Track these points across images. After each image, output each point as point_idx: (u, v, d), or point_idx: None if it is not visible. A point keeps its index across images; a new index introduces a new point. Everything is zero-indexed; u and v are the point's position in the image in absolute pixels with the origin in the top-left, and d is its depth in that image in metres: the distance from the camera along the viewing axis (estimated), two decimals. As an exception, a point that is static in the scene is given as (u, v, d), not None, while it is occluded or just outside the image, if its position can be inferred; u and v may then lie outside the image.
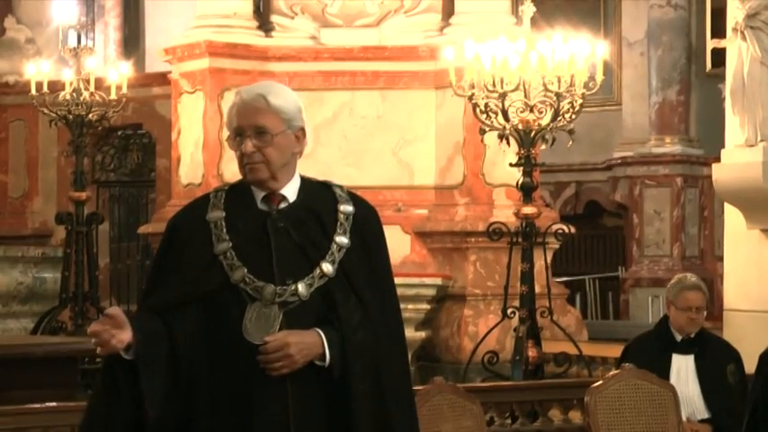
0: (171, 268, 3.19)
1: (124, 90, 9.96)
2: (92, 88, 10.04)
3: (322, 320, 3.13)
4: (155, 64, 12.17)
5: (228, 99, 9.91)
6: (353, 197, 3.26)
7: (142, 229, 10.70)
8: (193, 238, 3.19)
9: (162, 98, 11.07)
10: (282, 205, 3.20)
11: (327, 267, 3.15)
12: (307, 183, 3.25)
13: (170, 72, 10.37)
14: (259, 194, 3.21)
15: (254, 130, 3.17)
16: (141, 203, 12.22)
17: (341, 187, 3.27)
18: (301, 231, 3.18)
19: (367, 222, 3.24)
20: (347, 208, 3.22)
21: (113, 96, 9.99)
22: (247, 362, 3.08)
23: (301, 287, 3.13)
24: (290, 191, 3.21)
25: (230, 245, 3.16)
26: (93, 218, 10.22)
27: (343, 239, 3.18)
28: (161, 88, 11.03)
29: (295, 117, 3.25)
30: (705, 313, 5.90)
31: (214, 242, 3.16)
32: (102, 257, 11.43)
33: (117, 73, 10.11)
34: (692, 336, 5.86)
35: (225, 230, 3.17)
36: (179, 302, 3.15)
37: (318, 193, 3.24)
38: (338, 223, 3.20)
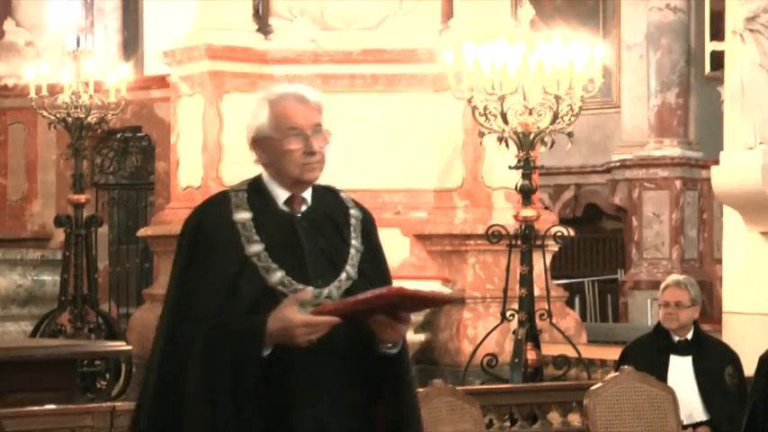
0: (200, 268, 3.13)
1: (123, 93, 9.96)
2: (91, 91, 10.04)
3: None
4: (154, 67, 12.17)
5: (228, 101, 9.94)
6: (355, 202, 3.31)
7: (141, 232, 10.70)
8: (221, 238, 3.14)
9: (161, 101, 11.08)
10: (303, 208, 3.21)
11: (351, 270, 3.19)
12: (314, 186, 3.26)
13: (169, 75, 10.38)
14: (281, 196, 3.21)
15: (315, 129, 3.19)
16: (140, 206, 12.23)
17: (343, 192, 3.32)
18: (323, 235, 3.20)
19: (372, 226, 3.30)
20: (356, 213, 3.27)
21: (112, 99, 9.99)
22: (287, 362, 3.06)
23: (333, 290, 3.15)
24: (308, 194, 3.23)
25: (263, 246, 3.13)
26: (92, 221, 10.22)
27: (357, 243, 3.23)
28: (160, 91, 11.04)
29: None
30: (693, 312, 5.89)
31: (244, 243, 3.12)
32: (101, 260, 11.44)
33: (116, 76, 10.11)
34: (690, 338, 5.88)
35: (254, 231, 3.14)
36: (218, 303, 3.10)
37: (328, 198, 3.27)
38: (351, 228, 3.24)
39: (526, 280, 7.81)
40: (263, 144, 3.22)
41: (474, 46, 7.71)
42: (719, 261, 9.61)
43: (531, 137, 7.70)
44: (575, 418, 6.56)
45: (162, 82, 10.82)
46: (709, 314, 11.13)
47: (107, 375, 9.83)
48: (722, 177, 7.41)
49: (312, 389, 3.08)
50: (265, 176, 3.25)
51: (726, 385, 5.77)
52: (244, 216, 3.16)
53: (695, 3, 13.95)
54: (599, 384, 5.65)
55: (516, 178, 7.93)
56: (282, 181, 3.21)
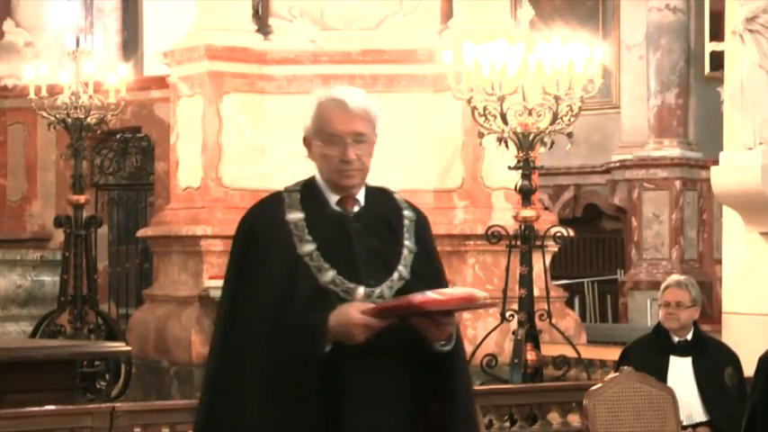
0: (255, 269, 3.17)
1: (123, 93, 9.96)
2: (90, 91, 10.04)
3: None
4: (153, 67, 12.17)
5: (227, 102, 9.94)
6: (409, 203, 3.34)
7: (141, 233, 10.70)
8: (274, 238, 3.17)
9: (161, 101, 11.08)
10: (356, 209, 3.24)
11: (403, 271, 3.21)
12: (368, 187, 3.30)
13: (169, 75, 10.38)
14: (333, 196, 3.24)
15: (354, 137, 3.20)
16: (140, 207, 12.22)
17: (397, 193, 3.35)
18: (376, 235, 3.23)
19: (426, 227, 3.33)
20: (410, 214, 3.30)
21: (112, 99, 9.99)
22: (339, 362, 3.09)
23: (385, 289, 3.17)
24: (361, 195, 3.27)
25: (314, 246, 3.16)
26: (91, 221, 10.22)
27: (411, 244, 3.25)
28: (160, 91, 11.04)
29: (377, 123, 3.28)
30: (693, 312, 5.90)
31: (296, 243, 3.16)
32: (100, 261, 11.44)
33: (116, 76, 10.11)
34: (690, 338, 5.88)
35: (306, 231, 3.17)
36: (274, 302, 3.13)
37: (382, 199, 3.30)
38: (404, 228, 3.27)
39: (526, 280, 7.81)
40: (310, 144, 3.26)
41: (473, 46, 7.71)
42: (719, 261, 9.61)
43: (531, 137, 7.70)
44: (574, 419, 6.56)
45: (161, 82, 10.81)
46: (708, 314, 11.12)
47: (107, 376, 9.83)
48: (722, 178, 7.41)
49: (366, 384, 3.11)
50: (317, 176, 3.28)
51: (725, 386, 5.77)
52: (296, 216, 3.19)
53: (695, 3, 13.95)
54: (599, 385, 5.65)
55: (516, 179, 7.93)
56: (328, 182, 3.25)
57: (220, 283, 10.60)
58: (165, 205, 10.62)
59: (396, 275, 3.20)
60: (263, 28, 10.24)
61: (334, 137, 3.19)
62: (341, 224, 3.21)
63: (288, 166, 9.87)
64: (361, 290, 3.14)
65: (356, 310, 3.07)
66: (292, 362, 3.07)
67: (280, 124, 9.94)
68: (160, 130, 11.18)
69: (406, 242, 3.25)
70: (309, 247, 3.16)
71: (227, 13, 10.10)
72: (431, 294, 3.12)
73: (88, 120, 10.02)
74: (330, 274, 3.14)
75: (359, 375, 3.10)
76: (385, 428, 3.12)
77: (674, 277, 6.10)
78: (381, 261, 3.20)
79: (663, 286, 5.99)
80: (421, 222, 3.32)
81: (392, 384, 3.14)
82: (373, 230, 3.23)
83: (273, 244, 3.16)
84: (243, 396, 3.10)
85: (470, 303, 3.23)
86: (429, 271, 3.27)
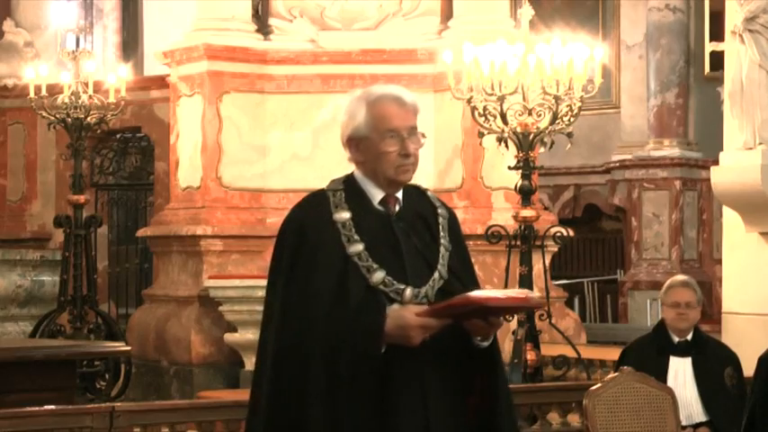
0: (307, 268, 3.15)
1: (123, 93, 9.96)
2: (90, 91, 10.03)
3: None
4: (153, 67, 12.18)
5: (227, 102, 9.94)
6: (441, 201, 3.38)
7: (141, 233, 10.70)
8: (324, 238, 3.18)
9: (160, 101, 11.08)
10: (396, 208, 3.26)
11: (442, 270, 3.24)
12: (404, 186, 3.31)
13: (169, 75, 10.37)
14: (377, 195, 3.25)
15: (410, 132, 3.23)
16: (140, 206, 12.22)
17: (429, 191, 3.38)
18: (417, 234, 3.25)
19: (457, 225, 3.37)
20: (444, 212, 3.34)
21: (112, 99, 9.99)
22: (388, 362, 3.10)
23: (428, 289, 3.20)
24: (400, 194, 3.29)
25: (363, 246, 3.17)
26: (91, 221, 10.22)
27: (446, 242, 3.28)
28: (160, 91, 11.04)
29: None
30: (698, 313, 5.91)
31: (344, 243, 3.17)
32: (100, 261, 11.44)
33: (116, 76, 10.11)
34: (690, 338, 5.87)
35: (354, 231, 3.18)
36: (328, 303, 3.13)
37: (417, 197, 3.33)
38: (440, 227, 3.29)
39: (525, 280, 7.80)
40: (359, 144, 3.25)
41: (473, 46, 7.71)
42: (719, 261, 9.61)
43: (531, 137, 7.69)
44: (574, 419, 6.56)
45: (161, 82, 10.81)
46: (708, 315, 11.12)
47: (106, 376, 9.83)
48: (722, 178, 7.41)
49: (417, 384, 3.13)
50: (358, 175, 3.28)
51: (725, 386, 5.76)
52: (344, 215, 3.20)
53: (695, 3, 13.95)
54: (598, 385, 5.64)
55: (516, 179, 7.93)
56: (377, 181, 3.25)
57: (220, 282, 10.50)
58: (164, 205, 10.62)
59: (436, 275, 3.22)
60: (263, 28, 10.24)
61: (392, 132, 3.21)
62: (386, 223, 3.22)
63: (288, 166, 9.88)
64: (409, 291, 3.15)
65: (411, 313, 3.09)
66: (351, 364, 3.07)
67: (280, 124, 9.94)
68: (160, 130, 11.18)
69: (443, 241, 3.28)
70: (358, 247, 3.17)
71: (227, 12, 10.09)
72: (488, 293, 3.16)
73: (88, 120, 10.02)
74: (380, 275, 3.15)
75: (409, 375, 3.11)
76: (437, 427, 3.14)
77: (680, 278, 6.08)
78: (423, 260, 3.23)
79: (667, 286, 5.96)
80: (453, 220, 3.36)
81: (440, 383, 3.17)
82: (414, 229, 3.26)
83: (324, 243, 3.17)
84: (305, 397, 3.08)
85: (526, 303, 3.30)
86: (464, 269, 3.31)
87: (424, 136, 3.26)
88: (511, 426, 3.31)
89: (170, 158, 10.41)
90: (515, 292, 3.31)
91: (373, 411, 3.08)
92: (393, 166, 3.21)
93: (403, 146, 3.21)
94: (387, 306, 3.13)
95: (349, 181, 3.27)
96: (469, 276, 3.32)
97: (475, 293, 3.16)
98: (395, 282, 3.15)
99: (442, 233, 3.29)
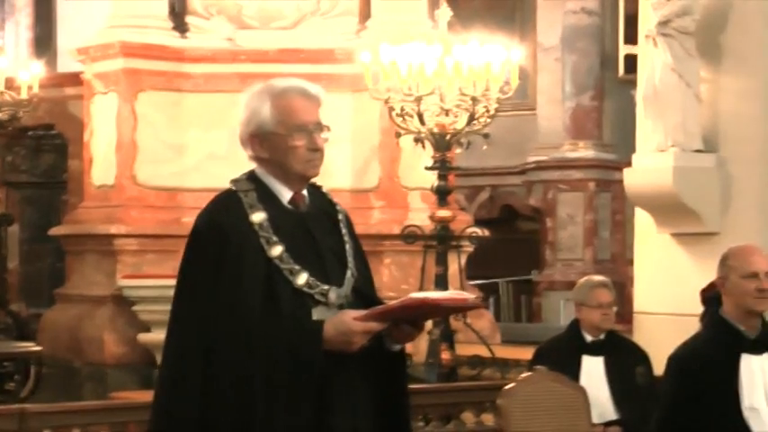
0: (234, 270, 3.03)
1: (36, 90, 9.83)
2: (2, 88, 9.89)
3: None
4: (68, 64, 12.01)
5: (143, 100, 9.84)
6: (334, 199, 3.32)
7: (54, 231, 10.56)
8: (245, 240, 3.06)
9: (75, 99, 10.93)
10: (305, 205, 3.19)
11: (353, 268, 3.19)
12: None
13: (83, 72, 10.26)
14: (285, 193, 3.16)
15: (318, 125, 3.16)
16: (53, 205, 12.06)
17: (324, 188, 3.31)
18: (327, 232, 3.20)
19: (352, 223, 3.31)
20: (342, 209, 3.29)
21: (24, 96, 9.85)
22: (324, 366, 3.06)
23: (346, 288, 3.15)
24: (305, 191, 3.21)
25: (283, 247, 3.07)
26: (3, 219, 10.07)
27: (349, 240, 3.24)
28: (74, 89, 10.89)
29: None
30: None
31: (263, 245, 3.06)
32: (11, 260, 11.26)
33: (28, 73, 9.97)
34: (602, 337, 5.93)
35: (272, 232, 3.08)
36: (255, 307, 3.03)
37: (318, 195, 3.26)
38: (341, 224, 3.25)
39: (441, 280, 7.84)
40: (264, 140, 3.15)
41: (391, 47, 7.73)
42: (631, 262, 9.71)
43: (448, 138, 7.73)
44: (488, 419, 6.60)
45: (76, 79, 10.67)
46: (620, 314, 11.23)
47: (16, 377, 9.68)
48: (634, 179, 7.49)
49: (347, 389, 3.09)
50: (261, 173, 3.18)
51: (637, 385, 5.83)
52: (260, 216, 3.09)
53: (610, 6, 14.10)
54: (513, 384, 5.68)
55: (432, 179, 7.96)
56: (284, 177, 3.16)
57: (134, 282, 10.38)
58: (78, 204, 10.49)
59: (349, 273, 3.17)
60: (180, 26, 10.17)
61: (300, 127, 3.13)
62: (300, 222, 3.14)
63: (204, 165, 9.81)
64: (333, 292, 3.09)
65: (351, 318, 3.02)
66: (289, 370, 2.99)
67: (197, 123, 9.87)
68: (74, 128, 11.03)
69: (346, 238, 3.23)
70: (279, 249, 3.07)
71: (143, 10, 10.00)
72: (428, 295, 3.15)
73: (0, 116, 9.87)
74: (304, 277, 3.07)
75: (340, 380, 3.07)
76: (365, 428, 3.12)
77: (598, 278, 6.11)
78: (337, 259, 3.17)
79: (588, 287, 5.95)
80: (348, 218, 3.31)
81: (365, 387, 3.14)
82: (324, 228, 3.19)
83: (246, 246, 3.05)
84: (245, 398, 2.98)
85: (465, 304, 3.27)
86: (365, 267, 3.26)
87: (328, 129, 3.18)
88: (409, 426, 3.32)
89: (84, 156, 10.29)
90: (454, 293, 3.28)
91: (311, 413, 3.03)
92: (302, 160, 3.14)
93: (311, 140, 3.14)
94: (312, 309, 3.07)
95: (254, 179, 3.16)
96: (369, 274, 3.29)
97: (416, 296, 3.13)
98: (318, 283, 3.09)
99: (344, 230, 3.24)
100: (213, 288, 3.03)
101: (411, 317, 3.12)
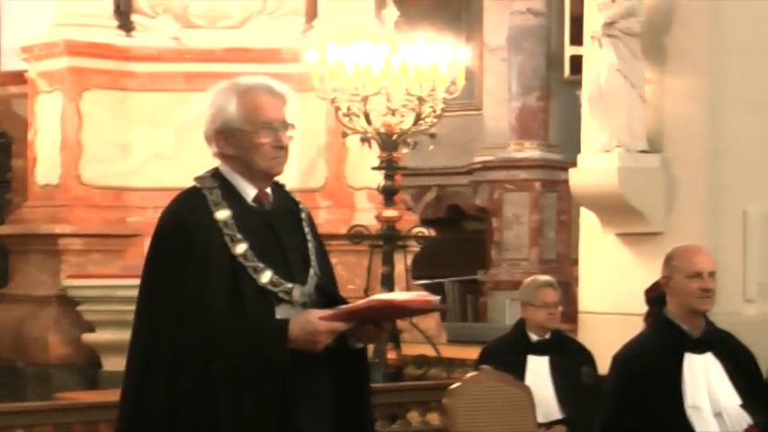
0: (204, 271, 3.03)
1: (-21, 88, 9.73)
2: (-55, 86, 9.78)
3: None
4: (11, 62, 11.90)
5: (88, 99, 9.78)
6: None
7: (-3, 231, 10.46)
8: (208, 238, 3.06)
9: (18, 97, 10.83)
10: (269, 203, 3.19)
11: (315, 266, 3.19)
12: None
13: (27, 71, 10.17)
14: (249, 191, 3.17)
15: (283, 123, 3.17)
16: (-4, 204, 11.93)
17: (286, 186, 3.31)
18: (291, 230, 3.20)
19: (314, 221, 3.32)
20: (304, 208, 3.29)
21: (-33, 94, 9.75)
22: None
23: (310, 287, 3.15)
24: (268, 189, 3.22)
25: (247, 245, 3.08)
26: (-55, 219, 9.95)
27: (312, 238, 3.24)
28: (17, 87, 10.79)
29: None
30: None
31: (228, 243, 3.07)
32: (-46, 259, 11.13)
33: (-29, 71, 9.87)
34: (548, 337, 5.97)
35: (236, 230, 3.08)
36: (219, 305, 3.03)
37: (281, 193, 3.26)
38: (304, 223, 3.25)
39: (387, 280, 7.85)
40: (229, 136, 3.15)
41: (338, 47, 7.73)
42: (577, 262, 9.79)
43: (394, 138, 7.75)
44: (434, 418, 6.61)
45: (20, 78, 10.58)
46: (565, 314, 11.30)
47: (-41, 378, 9.58)
48: (579, 180, 7.54)
49: (310, 389, 3.09)
50: (226, 170, 3.18)
51: (581, 384, 5.87)
52: (225, 214, 3.10)
53: (556, 7, 14.17)
54: (458, 384, 5.69)
55: (379, 179, 7.98)
56: (249, 175, 3.16)
57: (79, 282, 10.29)
58: (22, 203, 10.40)
59: (312, 272, 3.18)
60: (126, 24, 10.11)
61: (266, 124, 3.13)
62: (264, 220, 3.15)
63: (150, 164, 9.76)
64: (297, 290, 3.10)
65: (316, 317, 3.03)
66: (255, 370, 2.98)
67: (142, 122, 9.82)
68: (18, 127, 10.93)
69: (308, 236, 3.24)
70: (243, 247, 3.07)
71: (88, 8, 9.94)
72: (392, 296, 3.19)
73: (-58, 115, 9.76)
74: (268, 275, 3.08)
75: (304, 380, 3.07)
76: (325, 429, 3.12)
77: (543, 278, 6.15)
78: (301, 258, 3.18)
79: (534, 287, 5.98)
80: (311, 217, 3.32)
81: (330, 386, 3.15)
82: (288, 226, 3.20)
83: (211, 244, 3.06)
84: (211, 399, 2.98)
85: (429, 306, 3.28)
86: (327, 266, 3.28)
87: (293, 127, 3.20)
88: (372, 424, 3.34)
89: (28, 155, 10.20)
90: (418, 295, 3.31)
91: (275, 413, 3.03)
92: (267, 158, 3.14)
93: (276, 137, 3.14)
94: (275, 308, 3.08)
95: (218, 177, 3.17)
96: (332, 273, 3.30)
97: (382, 297, 3.17)
98: (282, 281, 3.10)
99: (306, 229, 3.25)
100: (178, 287, 3.04)
101: (376, 318, 3.15)
